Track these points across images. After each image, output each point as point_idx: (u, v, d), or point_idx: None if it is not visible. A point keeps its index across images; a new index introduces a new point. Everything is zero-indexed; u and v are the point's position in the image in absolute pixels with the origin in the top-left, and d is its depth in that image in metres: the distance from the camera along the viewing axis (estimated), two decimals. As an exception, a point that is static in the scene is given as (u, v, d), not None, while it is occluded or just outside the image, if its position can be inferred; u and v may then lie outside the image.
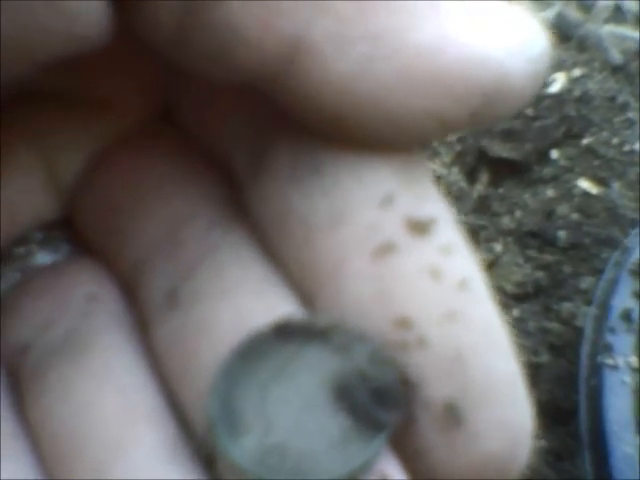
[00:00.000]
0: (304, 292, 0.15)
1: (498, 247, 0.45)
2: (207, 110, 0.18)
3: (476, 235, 0.45)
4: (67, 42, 0.13)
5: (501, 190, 0.47)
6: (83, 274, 0.18)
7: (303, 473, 0.14)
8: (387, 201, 0.15)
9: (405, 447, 0.14)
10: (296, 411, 0.14)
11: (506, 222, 0.46)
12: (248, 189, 0.16)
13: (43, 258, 0.18)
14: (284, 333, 0.15)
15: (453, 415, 0.14)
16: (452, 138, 0.50)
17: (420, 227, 0.15)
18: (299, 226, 0.15)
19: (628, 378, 0.36)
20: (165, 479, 0.14)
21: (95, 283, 0.18)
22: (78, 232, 0.18)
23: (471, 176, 0.48)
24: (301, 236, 0.15)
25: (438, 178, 0.48)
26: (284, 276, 0.16)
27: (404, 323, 0.14)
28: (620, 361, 0.36)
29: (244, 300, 0.15)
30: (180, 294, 0.16)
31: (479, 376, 0.14)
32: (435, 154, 0.49)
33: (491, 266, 0.44)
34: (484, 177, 0.48)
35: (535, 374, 0.40)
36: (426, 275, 0.14)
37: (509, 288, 0.43)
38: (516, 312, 0.42)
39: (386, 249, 0.14)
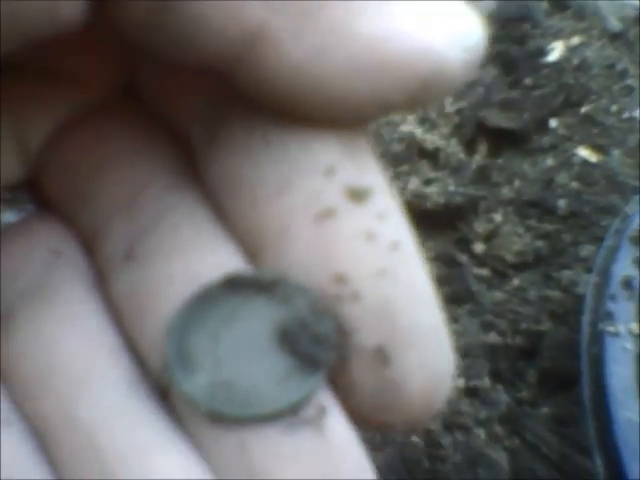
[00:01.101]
0: (251, 251, 0.17)
1: (498, 217, 0.45)
2: (168, 87, 0.19)
3: (476, 206, 0.45)
4: (50, 26, 0.14)
5: (500, 160, 0.47)
6: (47, 230, 0.19)
7: (250, 405, 0.16)
8: (330, 171, 0.16)
9: (340, 384, 0.16)
10: (244, 353, 0.16)
11: (506, 192, 0.46)
12: (203, 159, 0.18)
13: (9, 217, 0.19)
14: (233, 285, 0.16)
15: (381, 357, 0.16)
16: (450, 109, 0.50)
17: (358, 195, 0.16)
18: (248, 192, 0.17)
19: (629, 345, 0.36)
20: (127, 408, 0.16)
21: (59, 239, 0.19)
22: (43, 194, 0.20)
23: (470, 147, 0.48)
24: (249, 201, 0.17)
25: (437, 150, 0.47)
26: (233, 236, 0.17)
27: (340, 279, 0.16)
28: (621, 328, 0.36)
29: (196, 256, 0.17)
30: (137, 250, 0.17)
31: (405, 325, 0.16)
32: (434, 126, 0.49)
33: (491, 236, 0.44)
34: (483, 148, 0.48)
35: (537, 342, 0.40)
36: (362, 238, 0.16)
37: (509, 257, 0.43)
38: (517, 281, 0.42)
39: (327, 214, 0.16)
